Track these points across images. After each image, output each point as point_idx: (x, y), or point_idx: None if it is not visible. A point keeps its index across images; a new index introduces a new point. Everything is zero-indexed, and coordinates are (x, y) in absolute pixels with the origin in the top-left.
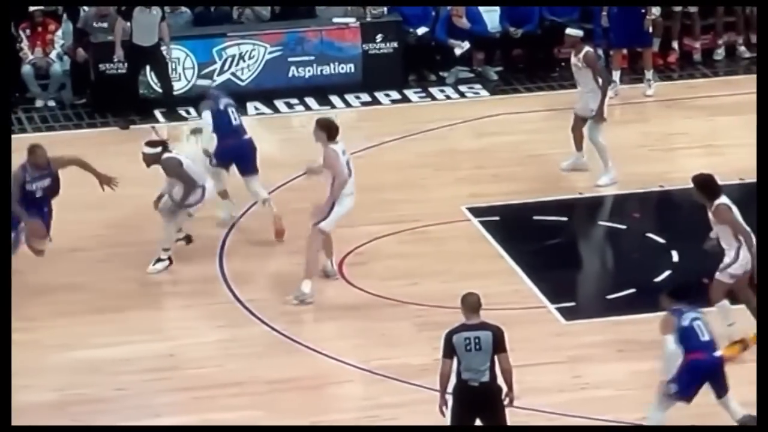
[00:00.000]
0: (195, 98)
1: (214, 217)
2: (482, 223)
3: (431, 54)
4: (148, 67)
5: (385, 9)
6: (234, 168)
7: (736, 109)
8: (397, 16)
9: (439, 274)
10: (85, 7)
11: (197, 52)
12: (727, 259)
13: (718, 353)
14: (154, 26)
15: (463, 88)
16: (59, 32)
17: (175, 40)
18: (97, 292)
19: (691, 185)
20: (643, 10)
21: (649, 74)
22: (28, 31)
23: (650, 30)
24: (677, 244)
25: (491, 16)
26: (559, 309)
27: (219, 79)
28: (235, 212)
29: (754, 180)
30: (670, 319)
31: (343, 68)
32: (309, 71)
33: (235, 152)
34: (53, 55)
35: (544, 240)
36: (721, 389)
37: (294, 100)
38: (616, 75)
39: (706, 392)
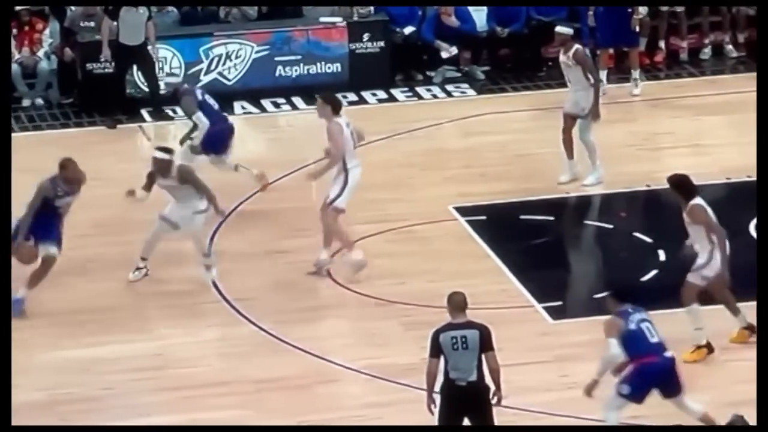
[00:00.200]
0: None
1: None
2: (469, 222)
3: (418, 53)
4: (135, 67)
5: (372, 8)
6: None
7: (723, 108)
8: (384, 16)
9: (426, 274)
10: (72, 7)
11: (184, 51)
12: (700, 261)
13: (669, 354)
14: (141, 25)
15: (450, 87)
16: (47, 31)
17: (162, 39)
18: (85, 292)
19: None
20: (629, 10)
21: (635, 74)
22: (15, 31)
23: (637, 29)
24: (664, 244)
25: (478, 16)
26: (546, 308)
27: (206, 79)
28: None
29: (741, 179)
30: (615, 321)
31: (329, 68)
32: (296, 71)
33: (228, 133)
34: (41, 54)
35: (531, 239)
36: (674, 390)
37: (281, 100)
38: (603, 74)
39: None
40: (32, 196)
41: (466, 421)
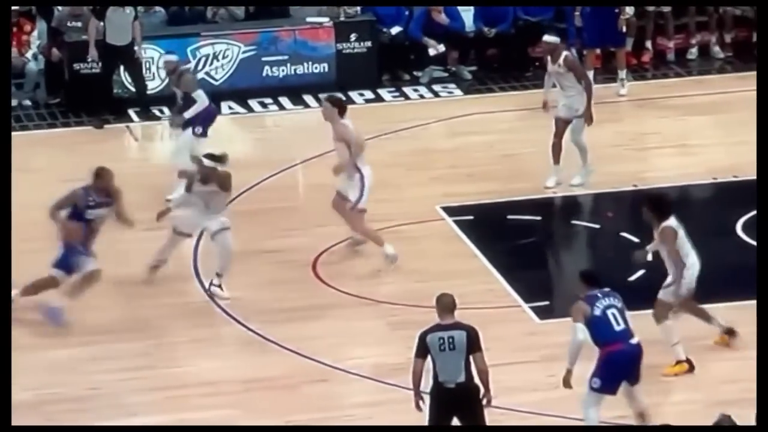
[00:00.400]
0: (168, 97)
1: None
2: (456, 222)
3: (405, 53)
4: (122, 67)
5: (359, 9)
6: None
7: (710, 108)
8: (371, 16)
9: (413, 274)
10: (59, 7)
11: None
12: (670, 278)
13: (635, 341)
14: (128, 26)
15: (437, 87)
16: (35, 33)
17: (150, 39)
18: None
19: (644, 201)
20: (616, 10)
21: (622, 74)
22: None
23: (624, 30)
24: (651, 244)
25: (465, 16)
26: (533, 308)
27: None
28: None
29: (728, 179)
30: (582, 306)
31: (316, 68)
32: (283, 71)
33: (215, 115)
34: (29, 55)
35: (518, 239)
36: (635, 378)
37: (268, 100)
38: (589, 74)
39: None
40: (63, 197)
41: (456, 421)
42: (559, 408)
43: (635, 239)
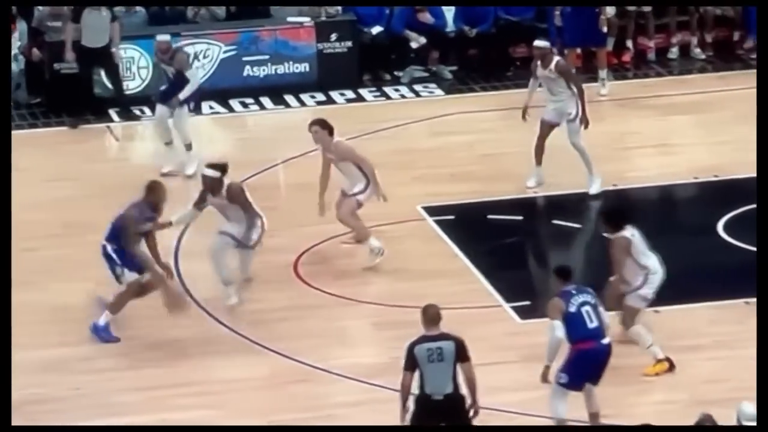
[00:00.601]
0: (149, 97)
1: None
2: (437, 222)
3: (386, 53)
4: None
5: (340, 8)
6: None
7: (691, 108)
8: (352, 16)
9: (394, 274)
10: (39, 7)
11: (152, 51)
12: (636, 283)
13: (606, 340)
14: (104, 28)
15: (418, 87)
16: (16, 34)
17: (130, 39)
18: (51, 292)
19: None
20: (597, 10)
21: (603, 73)
22: None
23: (604, 29)
24: None
25: (447, 16)
26: (514, 308)
27: None
28: None
29: (709, 179)
30: (557, 303)
31: (297, 67)
32: (264, 70)
33: (202, 93)
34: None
35: (499, 239)
36: (597, 378)
37: (249, 100)
38: None
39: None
40: (127, 234)
41: None
42: (541, 408)
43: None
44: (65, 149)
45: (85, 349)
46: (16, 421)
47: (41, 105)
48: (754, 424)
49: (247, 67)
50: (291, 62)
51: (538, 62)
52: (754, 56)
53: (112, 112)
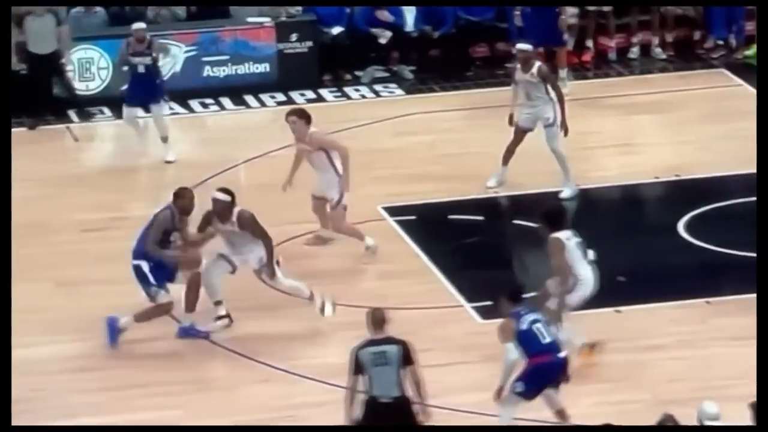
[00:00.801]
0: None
1: (127, 218)
2: (398, 222)
3: (346, 53)
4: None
5: (300, 8)
6: None
7: (652, 107)
8: (312, 16)
9: (356, 274)
10: None
11: (112, 52)
12: (561, 288)
13: (562, 354)
14: (49, 33)
15: (378, 87)
16: None
17: (90, 40)
18: (14, 293)
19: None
20: (557, 10)
21: (563, 73)
22: None
23: (564, 29)
24: (593, 243)
25: (408, 16)
26: (475, 308)
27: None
28: None
29: (670, 178)
30: (508, 324)
31: (257, 68)
32: (224, 71)
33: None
34: None
35: (460, 239)
36: (557, 385)
37: (209, 100)
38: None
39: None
40: (152, 229)
41: None
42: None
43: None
44: (24, 150)
45: (48, 350)
46: None
47: None
48: (716, 423)
49: (207, 67)
50: (251, 62)
51: (518, 66)
52: (714, 56)
53: (72, 113)
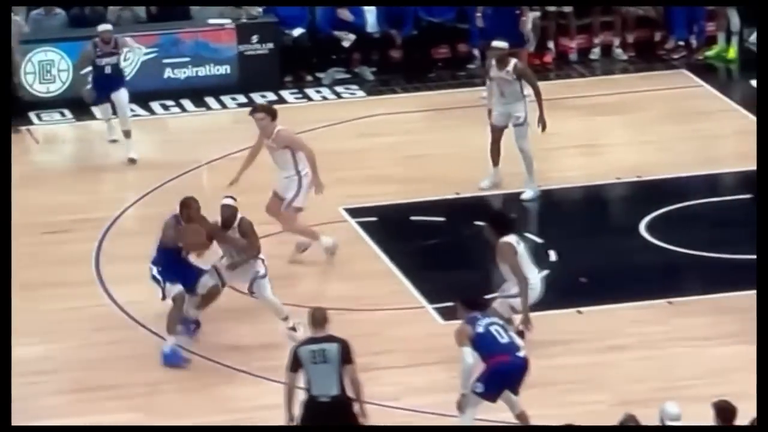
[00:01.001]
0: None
1: (89, 219)
2: (360, 223)
3: (307, 55)
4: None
5: (261, 10)
6: None
7: (613, 108)
8: (273, 18)
9: (317, 275)
10: None
11: (72, 53)
12: (514, 290)
13: (521, 354)
14: None
15: (339, 88)
16: None
17: (50, 42)
18: None
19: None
20: (517, 11)
21: None
22: None
23: (526, 30)
24: (555, 244)
25: (369, 17)
26: (437, 309)
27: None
28: None
29: (631, 179)
30: (464, 328)
31: (218, 69)
32: (184, 73)
33: None
34: None
35: (422, 240)
36: (517, 388)
37: (170, 102)
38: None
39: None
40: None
41: None
42: None
43: (539, 240)
44: None
45: None
46: None
47: None
48: (678, 423)
49: (168, 69)
50: (212, 64)
51: (493, 63)
52: (675, 56)
53: (32, 115)
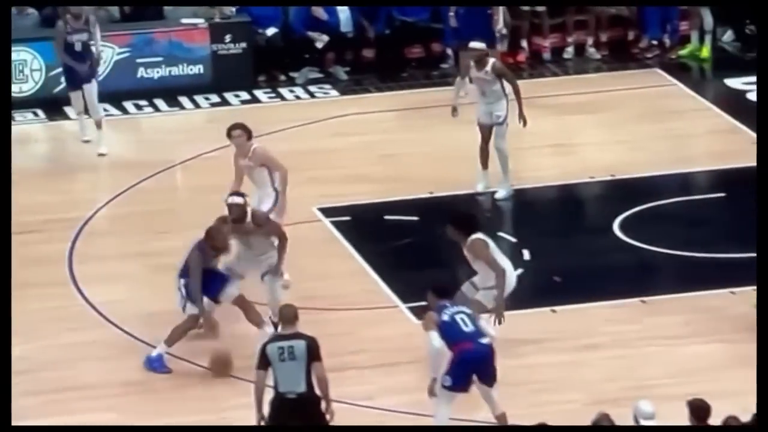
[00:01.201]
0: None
1: (62, 219)
2: (333, 223)
3: (281, 54)
4: None
5: (234, 10)
6: None
7: (587, 107)
8: (246, 17)
9: (290, 275)
10: None
11: (45, 53)
12: (489, 283)
13: (485, 340)
14: None
15: (313, 88)
16: None
17: (22, 41)
18: None
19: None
20: (489, 11)
21: None
22: None
23: (501, 30)
24: (528, 243)
25: (342, 16)
26: (410, 308)
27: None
28: None
29: (605, 178)
30: (431, 315)
31: (192, 69)
32: (158, 72)
33: None
34: None
35: (395, 240)
36: (489, 377)
37: (143, 102)
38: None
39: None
40: (192, 266)
41: None
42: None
43: (512, 239)
44: None
45: None
46: None
47: None
48: (652, 422)
49: (141, 68)
50: (185, 64)
51: (472, 63)
52: (649, 55)
53: None
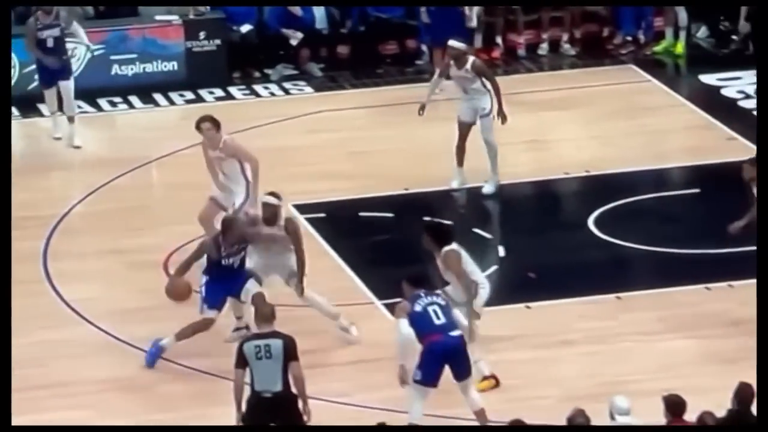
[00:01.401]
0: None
1: (36, 217)
2: (308, 220)
3: (255, 51)
4: None
5: (208, 7)
6: None
7: (561, 104)
8: (221, 14)
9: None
10: None
11: (18, 51)
12: (459, 294)
13: (455, 333)
14: None
15: (287, 85)
16: None
17: None
18: None
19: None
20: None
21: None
22: None
23: (473, 25)
24: (504, 240)
25: (317, 13)
26: (386, 305)
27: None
28: None
29: (580, 174)
30: (404, 305)
31: (166, 66)
32: (132, 69)
33: None
34: None
35: (370, 236)
36: (461, 371)
37: (117, 99)
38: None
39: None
40: (197, 248)
41: None
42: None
43: (488, 235)
44: None
45: None
46: None
47: None
48: (628, 418)
49: (115, 65)
50: (159, 61)
51: (451, 62)
52: (623, 52)
53: None
